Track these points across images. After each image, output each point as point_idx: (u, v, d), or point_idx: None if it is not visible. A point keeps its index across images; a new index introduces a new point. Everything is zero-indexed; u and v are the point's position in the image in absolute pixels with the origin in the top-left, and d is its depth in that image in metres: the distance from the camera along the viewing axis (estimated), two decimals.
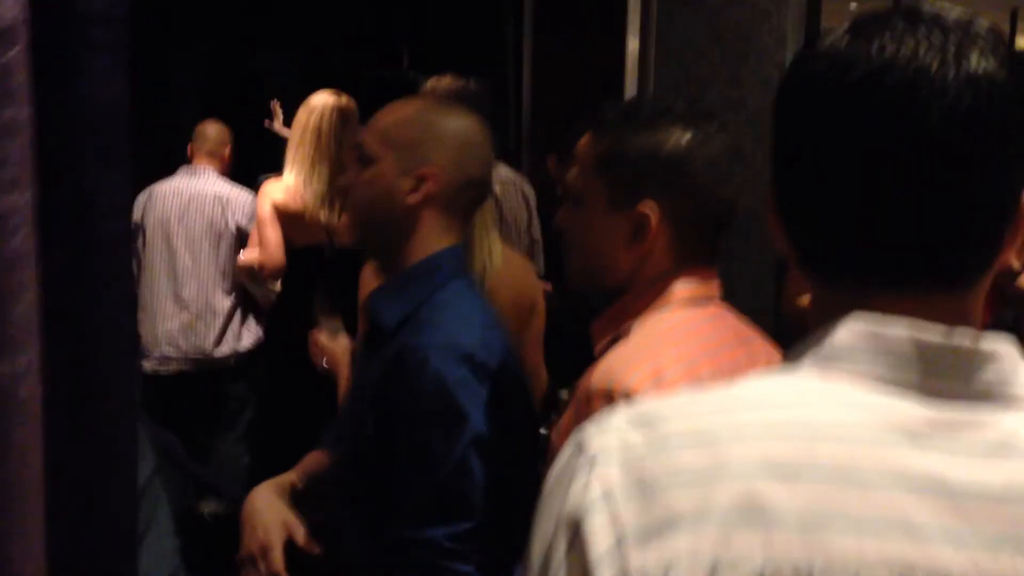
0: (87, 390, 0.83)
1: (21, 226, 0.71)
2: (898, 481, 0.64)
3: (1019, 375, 0.68)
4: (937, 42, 0.68)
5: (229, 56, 5.52)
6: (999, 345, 0.68)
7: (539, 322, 2.31)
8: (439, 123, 1.55)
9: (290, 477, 1.67)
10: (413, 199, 1.51)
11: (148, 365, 3.68)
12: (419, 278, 1.52)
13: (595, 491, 0.66)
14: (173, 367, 3.71)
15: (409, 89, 2.97)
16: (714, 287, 1.30)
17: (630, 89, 3.05)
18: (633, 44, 3.11)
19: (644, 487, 0.65)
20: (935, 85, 0.67)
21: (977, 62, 0.68)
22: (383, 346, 1.50)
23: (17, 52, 0.70)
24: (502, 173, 2.91)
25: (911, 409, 0.66)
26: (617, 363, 1.19)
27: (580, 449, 0.69)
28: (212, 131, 3.92)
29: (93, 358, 0.83)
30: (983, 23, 0.71)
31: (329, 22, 5.46)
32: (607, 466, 0.66)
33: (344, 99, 3.20)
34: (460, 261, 1.58)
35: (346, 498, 1.54)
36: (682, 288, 1.27)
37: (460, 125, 1.57)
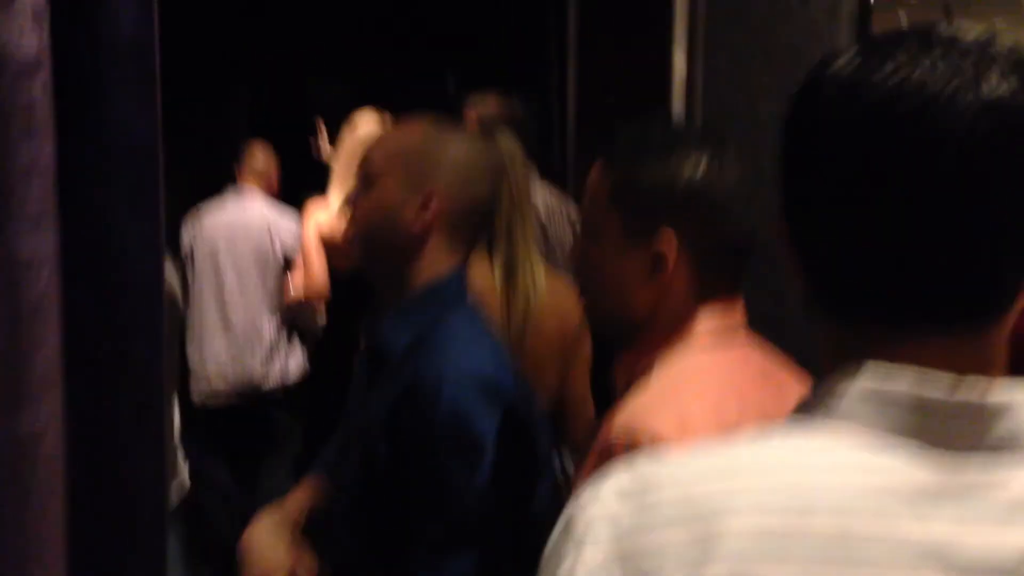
0: (112, 438, 0.79)
1: (44, 271, 0.67)
2: (899, 553, 0.59)
3: None
4: (953, 65, 0.63)
5: (276, 76, 5.56)
6: (1013, 394, 0.62)
7: (585, 351, 2.23)
8: (444, 145, 1.53)
9: (291, 505, 1.63)
10: (417, 220, 1.49)
11: (196, 394, 3.65)
12: (425, 302, 1.49)
13: (581, 574, 0.63)
14: (221, 396, 3.68)
15: (453, 108, 2.93)
16: (738, 316, 1.25)
17: (677, 106, 2.99)
18: (680, 60, 3.06)
19: (632, 566, 0.62)
20: (949, 111, 0.62)
21: (996, 85, 0.62)
22: (388, 371, 1.46)
23: (39, 86, 0.66)
24: (547, 197, 2.83)
25: (917, 472, 0.62)
26: (640, 407, 1.14)
27: (570, 525, 0.66)
28: (260, 153, 3.92)
29: (119, 406, 0.79)
30: (1003, 43, 0.66)
31: (374, 42, 5.48)
32: (594, 544, 0.64)
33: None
34: (465, 285, 1.54)
35: (355, 527, 1.50)
36: (705, 320, 1.21)
37: (465, 148, 1.55)
